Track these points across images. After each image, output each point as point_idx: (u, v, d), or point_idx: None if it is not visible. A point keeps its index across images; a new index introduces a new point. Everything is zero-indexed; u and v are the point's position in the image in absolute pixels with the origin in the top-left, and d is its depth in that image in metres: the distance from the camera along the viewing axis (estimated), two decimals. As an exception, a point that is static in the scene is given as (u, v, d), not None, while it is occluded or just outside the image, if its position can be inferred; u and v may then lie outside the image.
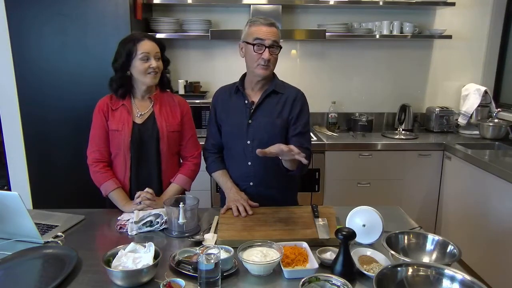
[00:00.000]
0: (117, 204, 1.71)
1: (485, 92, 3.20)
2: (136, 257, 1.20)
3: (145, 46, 1.67)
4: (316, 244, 1.36)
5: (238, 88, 1.78)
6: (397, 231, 1.35)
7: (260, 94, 1.76)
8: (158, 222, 1.53)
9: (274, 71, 1.78)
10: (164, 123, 1.76)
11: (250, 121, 1.74)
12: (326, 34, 2.99)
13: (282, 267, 1.20)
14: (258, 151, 1.41)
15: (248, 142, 1.74)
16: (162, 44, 1.75)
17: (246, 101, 1.76)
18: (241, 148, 1.75)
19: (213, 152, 1.87)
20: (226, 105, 1.80)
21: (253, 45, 1.64)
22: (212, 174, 1.85)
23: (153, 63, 1.68)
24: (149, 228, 1.52)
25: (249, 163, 1.75)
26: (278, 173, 1.69)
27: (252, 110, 1.74)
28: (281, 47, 1.68)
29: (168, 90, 1.87)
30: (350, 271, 1.19)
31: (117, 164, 1.77)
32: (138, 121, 1.75)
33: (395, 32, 3.16)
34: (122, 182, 1.76)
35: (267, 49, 1.63)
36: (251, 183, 1.77)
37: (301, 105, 1.76)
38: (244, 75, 1.81)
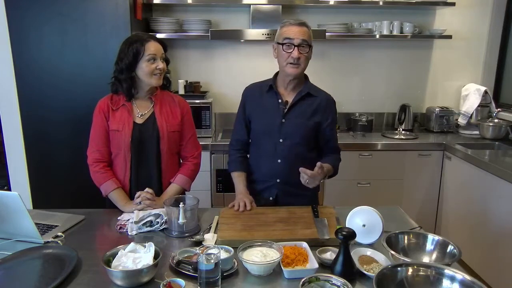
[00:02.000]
0: (117, 204, 1.71)
1: (485, 92, 3.20)
2: (136, 257, 1.20)
3: (152, 47, 1.66)
4: (316, 244, 1.36)
5: (271, 87, 1.80)
6: (397, 231, 1.35)
7: (293, 94, 1.79)
8: (158, 222, 1.53)
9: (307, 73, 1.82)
10: (164, 123, 1.76)
11: (283, 120, 1.77)
12: (326, 34, 3.00)
13: (282, 267, 1.20)
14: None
15: (281, 140, 1.78)
16: (165, 45, 1.75)
17: (280, 100, 1.78)
18: (272, 146, 1.78)
19: (236, 149, 1.88)
20: (257, 103, 1.83)
21: (283, 44, 1.67)
22: (231, 173, 1.87)
23: (160, 64, 1.68)
24: (149, 228, 1.52)
25: (279, 160, 1.78)
26: None
27: (286, 110, 1.77)
28: (311, 46, 1.70)
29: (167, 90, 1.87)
30: (350, 271, 1.19)
31: (117, 164, 1.77)
32: (139, 121, 1.75)
33: (395, 32, 3.16)
34: (122, 182, 1.76)
35: (296, 47, 1.66)
36: (278, 180, 1.80)
37: (333, 112, 1.83)
38: (276, 74, 1.84)
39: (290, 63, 1.68)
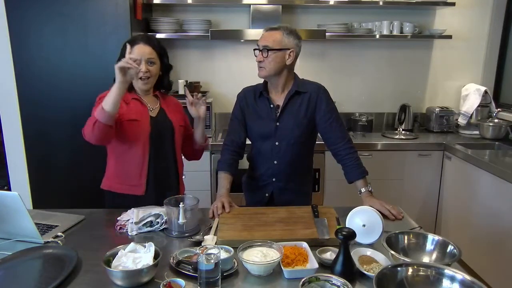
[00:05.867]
0: (112, 94, 1.52)
1: (485, 92, 3.20)
2: (136, 257, 1.20)
3: (136, 51, 1.66)
4: (316, 244, 1.36)
5: (261, 93, 1.83)
6: (397, 231, 1.35)
7: (284, 96, 1.80)
8: (158, 222, 1.53)
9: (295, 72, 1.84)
10: (174, 117, 1.81)
11: (277, 124, 1.80)
12: (326, 34, 3.00)
13: (282, 267, 1.20)
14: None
15: (277, 143, 1.81)
16: (161, 49, 1.74)
17: (271, 105, 1.81)
18: (269, 149, 1.83)
19: (230, 150, 1.87)
20: (253, 108, 1.86)
21: (254, 50, 1.76)
22: (218, 172, 1.87)
23: (143, 67, 1.67)
24: (149, 228, 1.52)
25: (275, 162, 1.83)
26: (298, 170, 1.86)
27: (278, 113, 1.80)
28: (269, 50, 1.69)
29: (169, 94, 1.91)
30: (350, 271, 1.19)
31: (132, 157, 1.72)
32: (152, 114, 1.77)
33: (395, 32, 3.16)
34: (139, 175, 1.73)
35: (260, 52, 1.72)
36: (273, 179, 1.86)
37: (325, 101, 1.80)
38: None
39: (259, 67, 1.75)
